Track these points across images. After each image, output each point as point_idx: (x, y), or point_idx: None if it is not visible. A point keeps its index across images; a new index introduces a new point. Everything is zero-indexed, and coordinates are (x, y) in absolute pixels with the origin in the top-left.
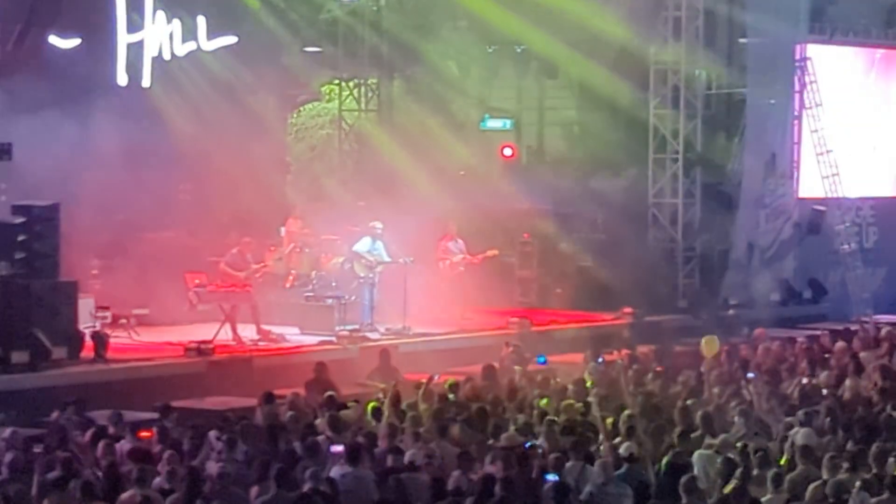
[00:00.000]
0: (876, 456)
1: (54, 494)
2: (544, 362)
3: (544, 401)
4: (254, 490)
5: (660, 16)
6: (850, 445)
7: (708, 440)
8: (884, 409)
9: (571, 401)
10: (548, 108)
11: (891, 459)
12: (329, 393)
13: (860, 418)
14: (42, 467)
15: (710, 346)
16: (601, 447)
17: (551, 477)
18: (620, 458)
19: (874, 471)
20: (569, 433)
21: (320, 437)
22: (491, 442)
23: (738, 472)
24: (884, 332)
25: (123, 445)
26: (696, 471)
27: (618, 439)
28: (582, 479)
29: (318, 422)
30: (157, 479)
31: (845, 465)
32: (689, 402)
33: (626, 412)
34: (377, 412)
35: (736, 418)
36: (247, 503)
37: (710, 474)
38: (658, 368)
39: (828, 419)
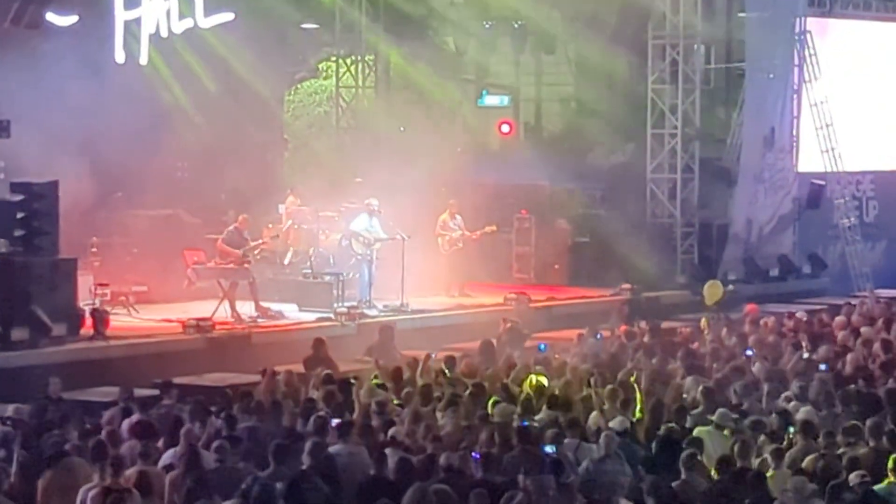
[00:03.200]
0: (872, 430)
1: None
2: (544, 350)
3: (533, 378)
4: (252, 466)
5: None
6: (849, 420)
7: (707, 416)
8: (885, 382)
9: (569, 377)
10: (546, 83)
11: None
12: (326, 369)
13: (860, 392)
14: (21, 445)
15: (712, 291)
16: (598, 423)
17: (549, 449)
18: (615, 433)
19: (871, 444)
20: (566, 410)
21: (317, 414)
22: (488, 418)
23: (739, 447)
24: (883, 305)
25: (127, 421)
26: (699, 446)
27: (612, 414)
28: (579, 455)
29: (315, 398)
30: (162, 456)
31: (844, 439)
32: (686, 377)
33: (623, 387)
34: (376, 388)
35: (734, 393)
36: (246, 480)
37: (711, 450)
38: (654, 344)
39: (822, 394)
